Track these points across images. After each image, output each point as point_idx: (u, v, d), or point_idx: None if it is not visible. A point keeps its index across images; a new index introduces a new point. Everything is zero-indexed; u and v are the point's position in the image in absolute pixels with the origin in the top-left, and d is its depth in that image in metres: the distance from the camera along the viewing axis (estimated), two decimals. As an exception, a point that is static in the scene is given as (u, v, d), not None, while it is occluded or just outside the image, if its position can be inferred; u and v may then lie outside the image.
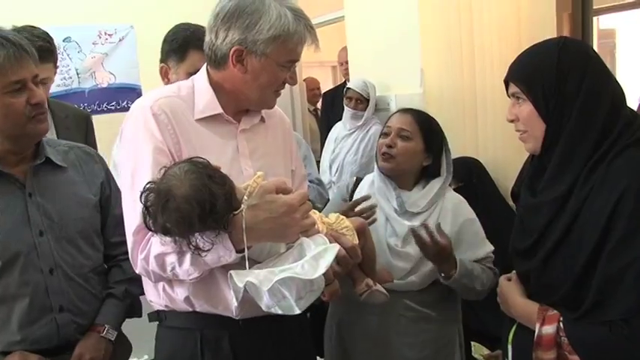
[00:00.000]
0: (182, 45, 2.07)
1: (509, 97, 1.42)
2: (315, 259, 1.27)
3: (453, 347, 1.92)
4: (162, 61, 2.16)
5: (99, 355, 1.67)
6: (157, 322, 1.58)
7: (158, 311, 1.55)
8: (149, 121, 1.42)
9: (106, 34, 4.19)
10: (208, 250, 1.26)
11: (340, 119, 3.92)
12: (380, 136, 1.94)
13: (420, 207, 1.85)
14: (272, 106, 1.57)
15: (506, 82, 1.41)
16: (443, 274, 1.77)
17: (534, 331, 1.31)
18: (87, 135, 2.55)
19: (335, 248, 1.32)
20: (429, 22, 3.14)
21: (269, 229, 1.30)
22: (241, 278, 1.24)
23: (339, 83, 5.55)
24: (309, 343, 1.70)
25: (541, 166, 1.39)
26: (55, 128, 2.46)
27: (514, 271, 1.49)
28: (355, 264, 1.53)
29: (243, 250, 1.29)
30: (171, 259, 1.33)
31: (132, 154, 1.44)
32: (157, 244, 1.34)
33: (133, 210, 1.38)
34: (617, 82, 1.33)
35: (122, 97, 4.20)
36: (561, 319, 1.28)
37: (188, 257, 1.31)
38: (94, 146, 2.52)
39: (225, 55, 1.44)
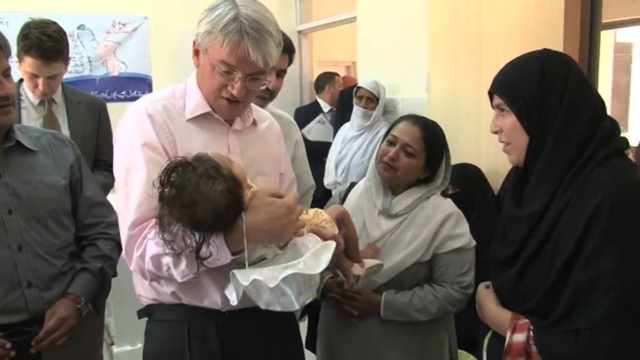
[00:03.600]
0: None
1: (493, 108, 1.43)
2: (315, 256, 1.32)
3: (441, 352, 1.92)
4: None
5: (73, 321, 1.69)
6: (146, 318, 1.60)
7: (147, 307, 1.58)
8: (143, 121, 1.44)
9: (119, 23, 4.24)
10: (208, 258, 1.28)
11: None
12: (384, 140, 1.92)
13: (399, 209, 1.86)
14: (225, 115, 1.52)
15: (491, 94, 1.42)
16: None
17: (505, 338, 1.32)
18: (100, 122, 2.64)
19: (332, 244, 1.38)
20: (437, 28, 3.17)
21: (269, 230, 1.33)
22: (245, 277, 1.27)
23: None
24: (297, 335, 1.73)
25: (525, 176, 1.40)
26: (66, 113, 2.55)
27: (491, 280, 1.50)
28: (341, 252, 1.56)
29: (238, 253, 1.32)
30: (166, 260, 1.35)
31: (124, 153, 1.46)
32: (153, 244, 1.34)
33: (126, 206, 1.40)
34: (597, 94, 1.34)
35: (132, 86, 4.26)
36: (531, 327, 1.29)
37: (183, 259, 1.33)
38: (108, 133, 2.60)
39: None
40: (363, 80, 3.65)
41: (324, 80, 5.29)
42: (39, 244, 1.69)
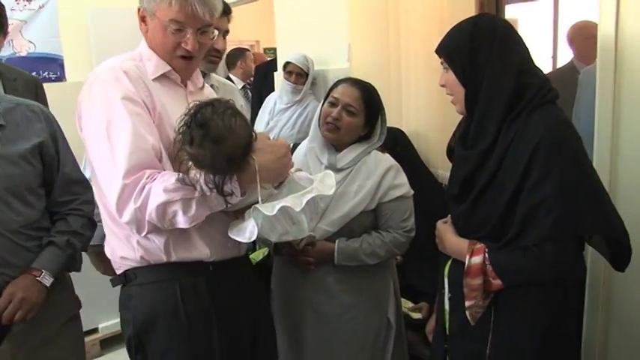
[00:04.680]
0: None
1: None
2: (322, 182, 1.50)
3: (387, 293, 2.11)
4: None
5: (31, 296, 1.69)
6: (122, 285, 1.62)
7: (126, 272, 1.60)
8: (120, 76, 1.49)
9: (24, 0, 4.05)
10: (230, 194, 1.37)
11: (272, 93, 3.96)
12: (324, 103, 2.06)
13: (344, 163, 2.02)
14: (183, 73, 1.61)
15: (438, 54, 1.63)
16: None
17: (465, 264, 1.53)
18: (37, 99, 2.53)
19: (331, 173, 1.57)
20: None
21: (275, 169, 1.48)
22: (270, 209, 1.38)
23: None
24: (261, 283, 1.87)
25: (469, 124, 1.60)
26: (3, 90, 2.46)
27: (449, 215, 1.70)
28: None
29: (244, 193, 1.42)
30: (174, 207, 1.38)
31: (102, 109, 1.46)
32: (160, 192, 1.37)
33: (113, 159, 1.41)
34: (524, 50, 1.55)
35: (42, 67, 4.07)
36: (486, 250, 1.51)
37: (194, 204, 1.39)
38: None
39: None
40: (292, 55, 3.64)
41: (236, 56, 5.31)
42: (1, 219, 1.68)
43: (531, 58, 1.56)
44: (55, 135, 1.84)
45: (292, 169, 1.56)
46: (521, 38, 1.56)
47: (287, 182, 1.51)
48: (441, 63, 1.62)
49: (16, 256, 1.73)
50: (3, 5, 2.36)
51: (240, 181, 1.39)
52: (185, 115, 1.36)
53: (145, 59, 1.59)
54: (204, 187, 1.35)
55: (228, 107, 1.39)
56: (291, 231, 1.46)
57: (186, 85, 1.66)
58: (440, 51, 1.61)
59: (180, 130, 1.36)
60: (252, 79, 5.35)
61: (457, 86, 1.57)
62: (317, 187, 1.48)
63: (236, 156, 1.35)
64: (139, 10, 1.58)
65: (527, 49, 1.56)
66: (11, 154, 1.72)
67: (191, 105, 1.38)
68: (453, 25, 1.64)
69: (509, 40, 1.54)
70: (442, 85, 1.63)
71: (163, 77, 1.59)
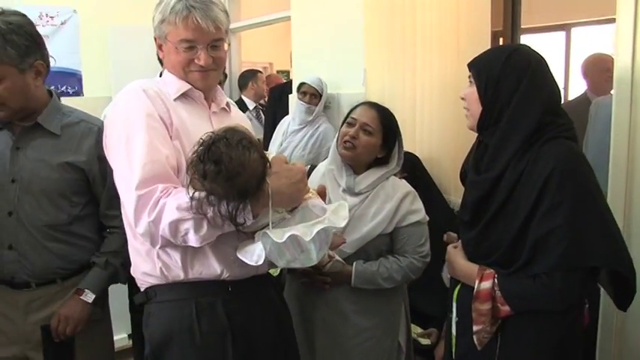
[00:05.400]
0: None
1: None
2: (335, 213, 1.50)
3: (399, 316, 2.11)
4: None
5: (74, 314, 1.93)
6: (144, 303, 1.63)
7: (146, 290, 1.62)
8: (140, 95, 1.54)
9: (47, 16, 4.13)
10: (243, 224, 1.39)
11: (286, 115, 4.00)
12: (343, 124, 2.11)
13: (362, 187, 2.05)
14: (201, 87, 1.65)
15: (469, 68, 1.66)
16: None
17: (474, 289, 1.54)
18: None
19: (345, 203, 1.56)
20: (372, 24, 3.30)
21: (289, 194, 1.48)
22: (280, 235, 1.39)
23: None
24: (285, 303, 1.84)
25: (484, 151, 1.63)
26: None
27: (459, 239, 1.72)
28: None
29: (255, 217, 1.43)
30: (186, 225, 1.40)
31: (122, 125, 1.52)
32: (173, 210, 1.39)
33: (130, 171, 1.45)
34: (554, 88, 1.57)
35: (61, 81, 4.14)
36: (496, 275, 1.53)
37: (205, 223, 1.40)
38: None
39: None
40: (307, 77, 3.71)
41: (248, 77, 5.36)
42: (26, 215, 1.89)
43: (559, 99, 1.59)
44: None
45: (309, 194, 1.56)
46: (553, 77, 1.58)
47: (301, 208, 1.51)
48: (469, 77, 1.65)
49: (34, 250, 1.90)
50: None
51: (253, 204, 1.41)
52: (199, 145, 1.39)
53: (167, 82, 1.65)
54: (218, 221, 1.39)
55: (242, 138, 1.40)
56: (299, 259, 1.46)
57: (210, 106, 1.69)
58: (471, 64, 1.65)
59: (193, 162, 1.38)
60: (264, 99, 5.40)
61: (476, 103, 1.60)
62: (329, 217, 1.48)
63: (249, 189, 1.36)
64: (155, 39, 1.65)
65: (557, 88, 1.59)
66: (54, 162, 1.91)
67: (205, 137, 1.40)
68: (468, 55, 1.69)
69: (541, 77, 1.56)
70: (462, 98, 1.66)
71: (185, 96, 1.64)
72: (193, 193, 1.36)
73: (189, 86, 1.63)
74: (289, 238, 1.39)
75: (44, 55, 1.89)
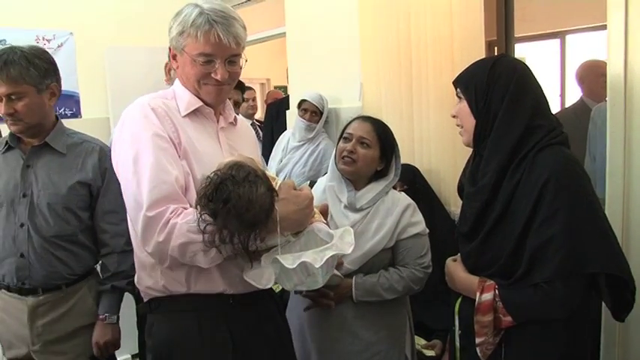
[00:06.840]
0: None
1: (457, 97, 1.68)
2: (341, 239, 1.51)
3: (404, 329, 2.11)
4: None
5: (107, 337, 2.15)
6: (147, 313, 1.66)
7: (150, 300, 1.63)
8: (148, 113, 1.54)
9: (44, 39, 4.14)
10: (255, 251, 1.42)
11: (284, 130, 4.00)
12: (340, 140, 2.12)
13: (363, 203, 2.05)
14: (213, 101, 1.66)
15: (455, 86, 1.68)
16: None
17: (475, 301, 1.54)
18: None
19: (350, 229, 1.58)
20: (368, 38, 3.34)
21: (297, 220, 1.49)
22: (291, 262, 1.41)
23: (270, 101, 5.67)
24: (285, 319, 1.84)
25: (480, 163, 1.63)
26: None
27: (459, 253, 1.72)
28: None
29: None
30: (195, 247, 1.42)
31: (131, 144, 1.52)
32: (184, 232, 1.41)
33: (139, 192, 1.45)
34: (540, 93, 1.59)
35: (60, 103, 4.03)
36: (497, 287, 1.53)
37: (213, 248, 1.41)
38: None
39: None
40: (308, 93, 3.69)
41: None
42: (35, 226, 2.06)
43: (546, 102, 1.60)
44: (105, 171, 2.15)
45: (315, 217, 1.58)
46: (537, 82, 1.60)
47: (306, 232, 1.52)
48: (456, 94, 1.66)
49: (43, 258, 2.07)
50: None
51: (261, 230, 1.41)
52: (207, 184, 1.39)
53: (177, 97, 1.65)
54: (229, 249, 1.41)
55: (248, 173, 1.41)
56: (306, 282, 1.50)
57: (218, 121, 1.70)
58: (457, 82, 1.66)
59: (202, 201, 1.38)
60: (255, 116, 5.42)
61: (469, 117, 1.61)
62: (337, 243, 1.49)
63: (258, 222, 1.38)
64: (169, 49, 1.64)
65: (542, 93, 1.60)
66: (61, 179, 2.09)
67: (212, 175, 1.40)
68: (463, 65, 1.70)
69: (526, 82, 1.58)
70: (454, 116, 1.68)
71: (195, 113, 1.64)
72: (205, 226, 1.37)
73: (201, 103, 1.64)
74: (299, 265, 1.41)
75: (59, 79, 2.10)
